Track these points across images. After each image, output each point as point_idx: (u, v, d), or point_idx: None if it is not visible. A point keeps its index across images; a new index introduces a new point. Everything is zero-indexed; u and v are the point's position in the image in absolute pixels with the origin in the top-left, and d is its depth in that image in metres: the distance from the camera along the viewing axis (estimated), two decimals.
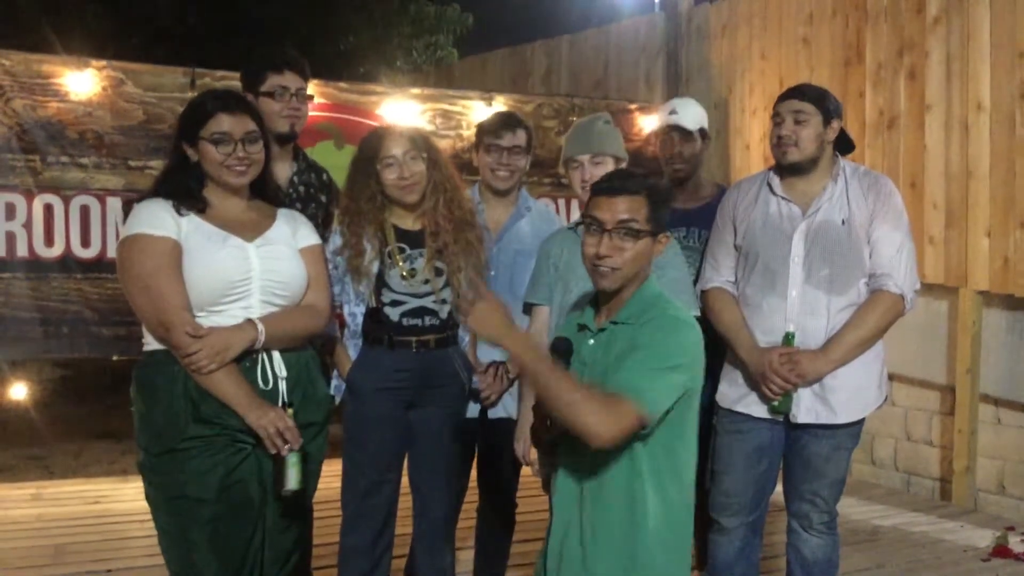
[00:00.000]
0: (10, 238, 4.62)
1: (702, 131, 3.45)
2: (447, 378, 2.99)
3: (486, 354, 3.10)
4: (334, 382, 3.01)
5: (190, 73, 4.97)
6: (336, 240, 2.97)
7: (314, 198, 3.19)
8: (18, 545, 4.20)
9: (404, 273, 2.93)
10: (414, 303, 2.95)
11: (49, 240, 4.70)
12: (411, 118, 5.55)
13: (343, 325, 3.03)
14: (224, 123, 2.46)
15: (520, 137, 3.26)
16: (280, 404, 2.46)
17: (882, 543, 4.41)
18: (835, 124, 2.88)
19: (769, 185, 2.97)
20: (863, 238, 2.85)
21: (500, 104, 5.81)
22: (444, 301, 2.97)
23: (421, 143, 2.97)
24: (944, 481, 5.23)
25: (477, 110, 5.72)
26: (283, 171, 3.11)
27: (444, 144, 5.65)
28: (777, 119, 2.89)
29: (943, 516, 4.83)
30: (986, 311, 4.98)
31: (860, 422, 2.92)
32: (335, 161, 4.08)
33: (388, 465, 2.96)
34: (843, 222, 2.85)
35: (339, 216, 3.00)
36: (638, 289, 2.15)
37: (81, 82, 4.73)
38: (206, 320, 2.41)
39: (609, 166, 2.96)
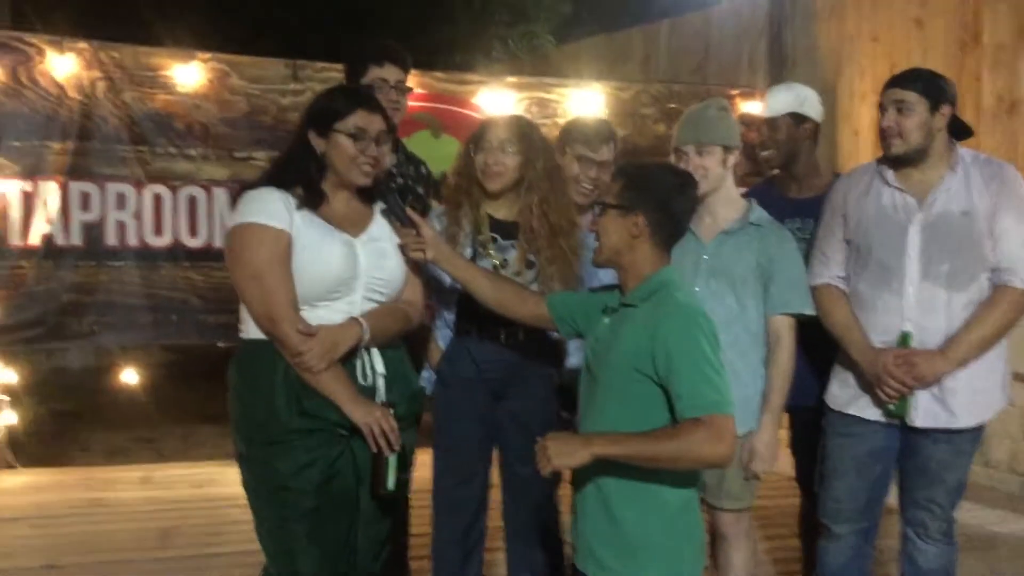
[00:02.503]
0: (121, 228, 4.76)
1: (795, 116, 3.26)
2: (535, 369, 2.95)
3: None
4: (425, 373, 3.00)
5: (292, 65, 5.04)
6: (433, 223, 2.93)
7: (412, 190, 3.19)
8: (128, 527, 4.34)
9: (497, 263, 2.89)
10: None
11: (158, 230, 4.83)
12: (507, 106, 5.50)
13: (434, 315, 3.02)
14: (363, 119, 2.46)
15: (613, 150, 3.16)
16: (379, 401, 2.46)
17: (1001, 551, 4.20)
18: (945, 110, 2.72)
19: (882, 175, 2.82)
20: (985, 230, 2.69)
21: (597, 91, 5.72)
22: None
23: (522, 138, 2.89)
24: None
25: (574, 98, 5.65)
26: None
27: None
28: (881, 109, 2.76)
29: None
30: None
31: (982, 426, 2.78)
32: (432, 151, 4.09)
33: (478, 457, 2.94)
34: (964, 213, 2.70)
35: (444, 196, 2.99)
36: (650, 275, 2.23)
37: (187, 74, 4.84)
38: (310, 314, 2.42)
39: (717, 156, 2.85)
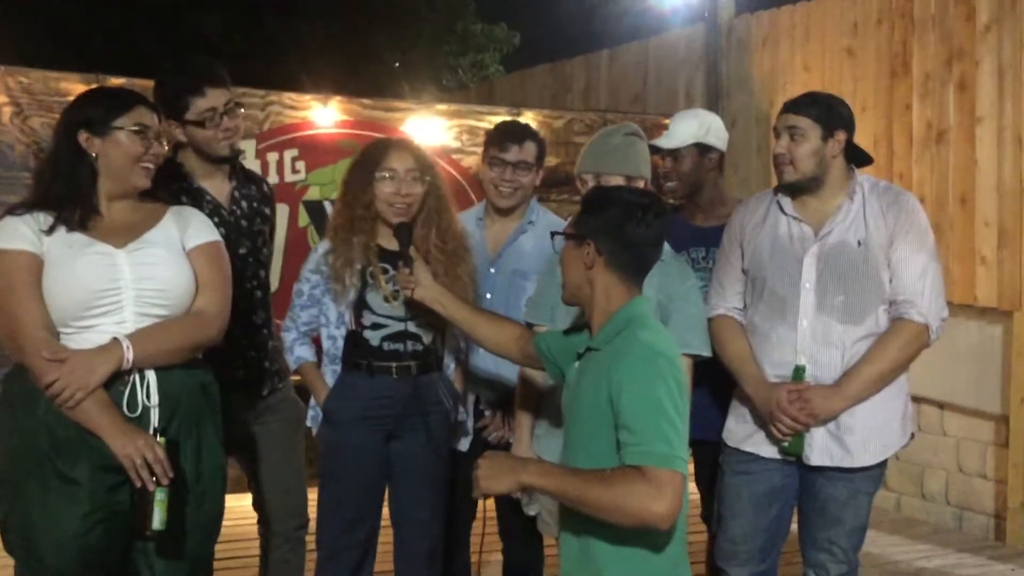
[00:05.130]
0: None
1: (700, 146, 3.14)
2: (430, 406, 2.82)
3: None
4: (310, 412, 2.87)
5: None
6: (317, 256, 2.82)
7: (258, 212, 2.97)
8: None
9: (387, 295, 2.76)
10: (396, 327, 2.79)
11: None
12: (437, 134, 5.42)
13: (320, 349, 2.88)
14: (145, 116, 2.27)
15: (528, 151, 3.06)
16: (152, 432, 2.22)
17: None
18: (840, 136, 2.63)
19: (779, 203, 2.73)
20: (882, 261, 2.60)
21: (529, 120, 5.65)
22: (430, 324, 2.80)
23: (426, 164, 2.81)
24: (998, 517, 4.89)
25: None
26: (223, 188, 2.90)
27: (471, 161, 5.52)
28: (776, 134, 2.67)
29: (993, 558, 4.50)
30: None
31: (881, 465, 2.67)
32: None
33: (368, 499, 2.81)
34: (859, 243, 2.61)
35: (333, 224, 2.83)
36: (617, 311, 2.04)
37: None
38: (75, 337, 2.21)
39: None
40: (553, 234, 2.20)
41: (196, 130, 2.74)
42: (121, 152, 2.26)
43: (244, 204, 2.94)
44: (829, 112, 2.64)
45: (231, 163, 2.92)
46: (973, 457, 5.03)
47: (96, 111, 2.27)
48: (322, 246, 2.85)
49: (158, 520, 2.15)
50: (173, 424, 2.28)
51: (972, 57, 4.89)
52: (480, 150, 5.42)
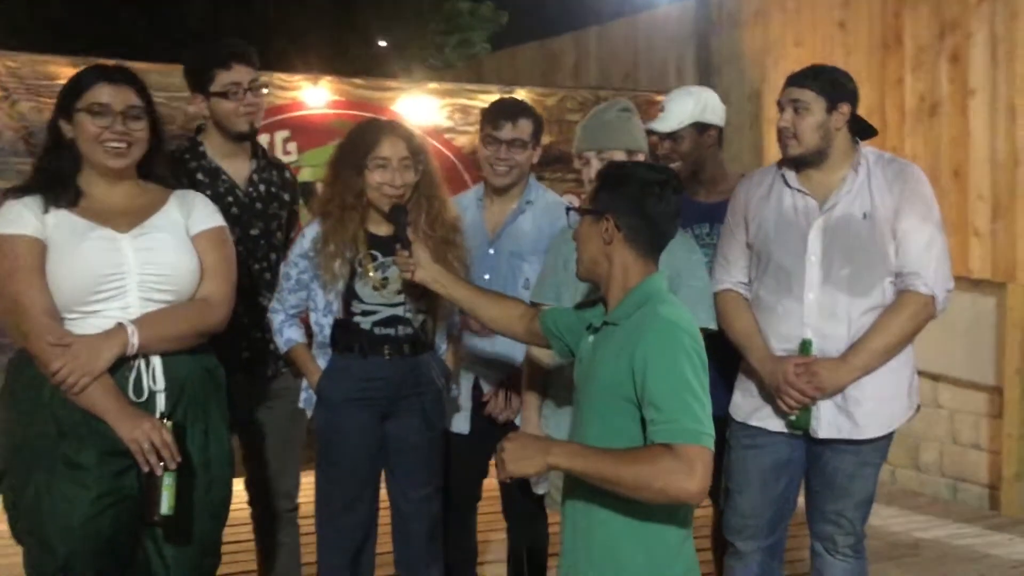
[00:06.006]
0: None
1: (698, 125, 3.10)
2: (423, 386, 2.79)
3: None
4: (303, 394, 2.83)
5: None
6: (305, 242, 2.76)
7: (276, 197, 3.00)
8: None
9: (376, 284, 2.72)
10: (386, 312, 2.76)
11: None
12: (429, 114, 5.38)
13: (310, 334, 2.84)
14: (104, 94, 2.22)
15: (523, 128, 2.99)
16: (158, 416, 2.21)
17: (924, 557, 4.15)
18: (844, 109, 2.61)
19: (783, 177, 2.72)
20: (887, 233, 2.59)
21: (521, 97, 5.59)
22: (419, 311, 2.77)
23: (419, 151, 2.75)
24: (993, 488, 4.93)
25: None
26: (242, 169, 2.92)
27: (463, 140, 5.49)
28: (780, 108, 2.66)
29: (990, 527, 4.54)
30: None
31: (888, 436, 2.67)
32: None
33: (365, 479, 2.78)
34: (864, 216, 2.60)
35: (323, 211, 2.76)
36: (635, 287, 2.03)
37: None
38: (80, 323, 2.18)
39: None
40: (568, 209, 2.19)
41: (219, 102, 2.80)
42: (82, 133, 2.23)
43: (262, 187, 2.96)
44: (833, 85, 2.62)
45: (253, 145, 2.95)
46: (967, 428, 5.07)
47: (64, 96, 2.26)
48: (310, 231, 2.78)
49: (166, 505, 2.14)
50: (179, 409, 2.27)
51: (965, 29, 4.88)
52: (473, 129, 5.47)
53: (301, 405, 2.79)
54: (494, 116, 3.01)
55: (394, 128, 2.77)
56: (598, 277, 2.11)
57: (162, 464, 2.14)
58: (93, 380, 2.14)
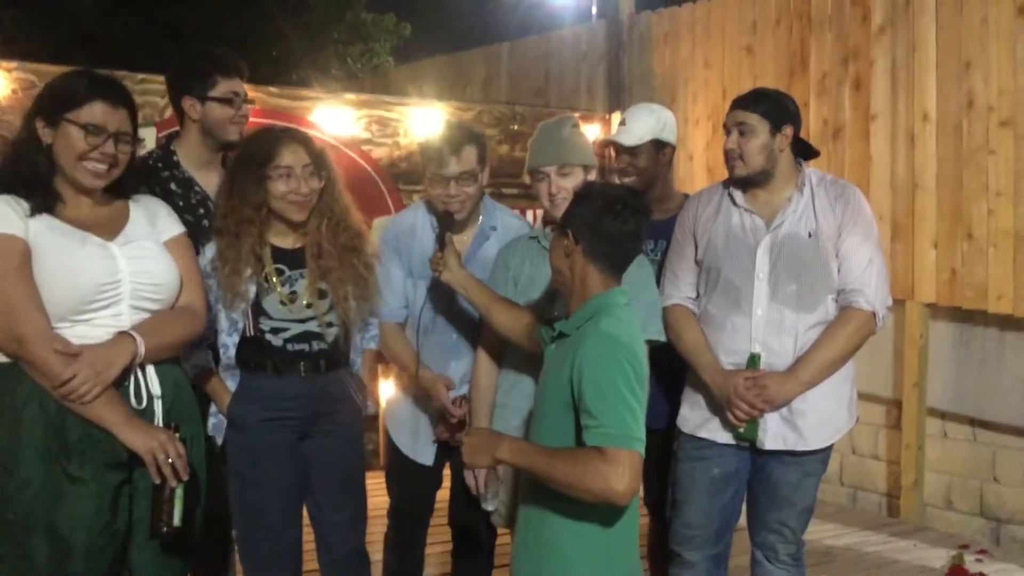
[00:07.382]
0: None
1: (656, 142, 3.15)
2: (341, 403, 2.69)
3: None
4: (211, 420, 2.65)
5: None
6: (203, 260, 2.59)
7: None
8: None
9: (283, 299, 2.61)
10: (297, 328, 2.63)
11: None
12: (346, 125, 5.32)
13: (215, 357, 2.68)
14: (101, 113, 2.15)
15: (468, 158, 2.82)
16: (160, 425, 2.17)
17: (837, 564, 4.29)
18: (787, 131, 2.71)
19: (731, 196, 2.80)
20: (831, 251, 2.70)
21: (439, 110, 5.59)
22: (330, 324, 2.66)
23: (320, 156, 2.64)
24: (891, 496, 5.17)
25: (415, 116, 5.50)
26: (213, 180, 2.81)
27: (381, 152, 5.44)
28: (725, 130, 2.74)
29: (894, 534, 4.74)
30: (933, 324, 4.93)
31: (830, 448, 2.78)
32: None
33: (286, 506, 2.64)
34: (810, 235, 2.70)
35: (218, 227, 2.61)
36: (589, 300, 2.15)
37: None
38: (71, 331, 2.10)
39: (579, 176, 2.69)
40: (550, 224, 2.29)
41: (217, 107, 2.76)
42: (66, 145, 2.15)
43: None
44: (777, 108, 2.71)
45: (224, 157, 2.88)
46: (866, 439, 5.29)
47: (52, 99, 2.17)
48: (208, 250, 2.63)
49: (177, 516, 2.12)
50: (171, 417, 2.23)
51: (867, 57, 5.13)
52: (391, 141, 5.43)
53: (210, 432, 2.62)
54: (437, 153, 2.82)
55: (292, 135, 2.65)
56: (563, 287, 2.24)
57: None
58: (104, 390, 2.08)
